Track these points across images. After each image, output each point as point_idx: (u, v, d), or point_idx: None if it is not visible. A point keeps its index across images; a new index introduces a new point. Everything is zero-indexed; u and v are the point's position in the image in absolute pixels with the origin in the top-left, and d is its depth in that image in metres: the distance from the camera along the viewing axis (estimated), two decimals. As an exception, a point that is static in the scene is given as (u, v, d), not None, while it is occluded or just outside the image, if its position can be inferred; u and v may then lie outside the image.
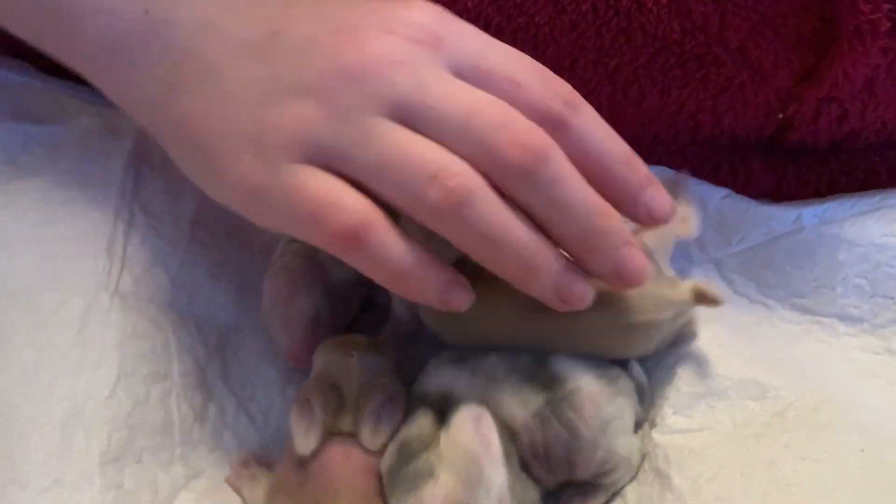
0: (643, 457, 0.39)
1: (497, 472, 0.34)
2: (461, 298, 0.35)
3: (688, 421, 0.40)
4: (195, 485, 0.39)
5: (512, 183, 0.34)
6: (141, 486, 0.38)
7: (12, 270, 0.42)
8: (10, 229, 0.44)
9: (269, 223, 0.36)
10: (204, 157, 0.37)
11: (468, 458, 0.33)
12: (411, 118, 0.34)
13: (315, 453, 0.36)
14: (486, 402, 0.36)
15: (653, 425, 0.40)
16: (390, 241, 0.34)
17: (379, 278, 0.34)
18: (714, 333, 0.43)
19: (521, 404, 0.36)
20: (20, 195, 0.46)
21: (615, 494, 0.39)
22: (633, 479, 0.39)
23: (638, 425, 0.40)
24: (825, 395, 0.39)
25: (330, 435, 0.37)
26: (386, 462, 0.36)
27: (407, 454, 0.35)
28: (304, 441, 0.36)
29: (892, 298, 0.45)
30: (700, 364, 0.41)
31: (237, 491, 0.40)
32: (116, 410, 0.39)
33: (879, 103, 0.47)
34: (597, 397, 0.37)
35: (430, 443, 0.35)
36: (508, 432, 0.36)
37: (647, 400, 0.41)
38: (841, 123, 0.48)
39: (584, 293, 0.36)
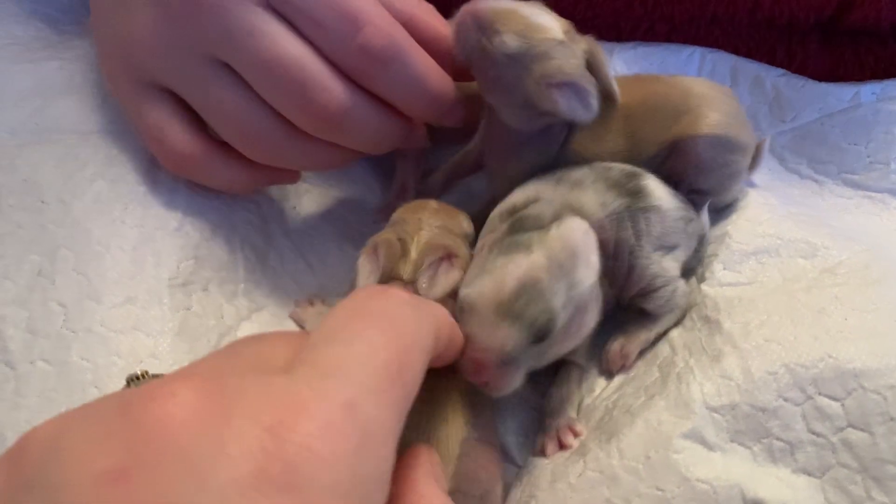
0: (689, 305, 0.40)
1: (587, 276, 0.35)
2: (289, 175, 0.42)
3: (737, 275, 0.40)
4: (257, 317, 0.41)
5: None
6: (207, 312, 0.39)
7: (85, 112, 0.43)
8: (82, 78, 0.46)
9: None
10: (96, 44, 0.42)
11: (568, 253, 0.34)
12: (226, 62, 0.37)
13: None
14: (569, 202, 0.37)
15: (701, 279, 0.41)
16: (214, 165, 0.40)
17: (217, 188, 0.42)
18: (765, 200, 0.44)
19: (601, 206, 0.38)
20: (89, 49, 0.47)
21: (659, 337, 0.40)
22: (678, 324, 0.40)
23: (688, 273, 0.41)
24: (875, 255, 0.40)
25: (389, 279, 0.38)
26: (497, 233, 0.37)
27: (517, 228, 0.36)
28: (365, 282, 0.38)
29: (946, 174, 0.45)
30: (751, 225, 0.42)
31: (300, 324, 0.41)
32: (184, 241, 0.40)
33: (945, -19, 0.47)
34: (669, 223, 0.39)
35: (540, 227, 0.36)
36: None
37: (702, 249, 0.42)
38: (904, 2, 0.48)
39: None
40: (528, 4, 0.39)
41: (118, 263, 0.38)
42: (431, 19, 0.40)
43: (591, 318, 0.36)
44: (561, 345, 0.35)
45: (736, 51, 0.51)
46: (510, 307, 0.33)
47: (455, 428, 0.34)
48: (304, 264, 0.44)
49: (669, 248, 0.39)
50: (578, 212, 0.37)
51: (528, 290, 0.33)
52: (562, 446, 0.37)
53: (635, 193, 0.39)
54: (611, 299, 0.40)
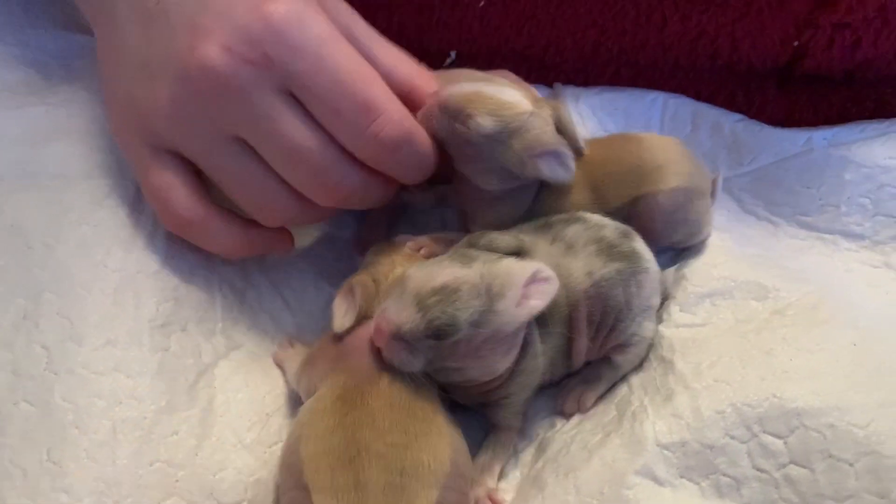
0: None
1: (510, 314, 0.37)
2: (284, 246, 0.45)
3: (692, 317, 0.43)
4: (235, 355, 0.43)
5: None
6: (185, 351, 0.41)
7: (70, 157, 0.45)
8: (67, 123, 0.47)
9: None
10: (104, 92, 0.44)
11: (502, 283, 0.37)
12: (247, 142, 0.39)
13: (349, 330, 0.40)
14: (559, 267, 0.40)
15: (659, 321, 0.43)
16: (214, 230, 0.42)
17: (213, 251, 0.43)
18: (722, 242, 0.46)
19: (587, 275, 0.40)
20: (76, 94, 0.49)
21: (614, 385, 0.42)
22: (638, 367, 0.42)
23: None
24: (824, 297, 0.42)
25: (364, 318, 0.40)
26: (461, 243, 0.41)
27: (471, 243, 0.40)
28: (341, 320, 0.40)
29: (894, 217, 0.47)
30: (707, 268, 0.44)
31: (280, 366, 0.43)
32: (164, 283, 0.42)
33: (892, 32, 0.49)
34: (655, 285, 0.42)
35: (490, 251, 0.39)
36: (569, 301, 0.40)
37: (662, 304, 0.44)
38: (854, 51, 0.50)
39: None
40: (490, 84, 0.42)
41: (100, 306, 0.40)
42: (430, 89, 0.42)
43: (507, 357, 0.38)
44: (463, 361, 0.38)
45: (698, 95, 0.54)
46: (424, 298, 0.36)
47: (438, 460, 0.36)
48: (281, 302, 0.46)
49: (651, 310, 0.42)
50: (566, 279, 0.39)
51: (446, 291, 0.36)
52: None
53: (628, 256, 0.41)
54: (577, 363, 0.42)
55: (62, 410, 0.37)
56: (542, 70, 0.55)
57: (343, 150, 0.39)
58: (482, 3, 0.53)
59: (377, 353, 0.38)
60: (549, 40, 0.54)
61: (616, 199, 0.43)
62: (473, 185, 0.43)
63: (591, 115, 0.52)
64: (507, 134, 0.40)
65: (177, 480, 0.37)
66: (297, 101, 0.38)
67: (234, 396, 0.41)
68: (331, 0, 0.42)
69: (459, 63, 0.56)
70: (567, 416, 0.41)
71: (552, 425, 0.42)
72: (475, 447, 0.41)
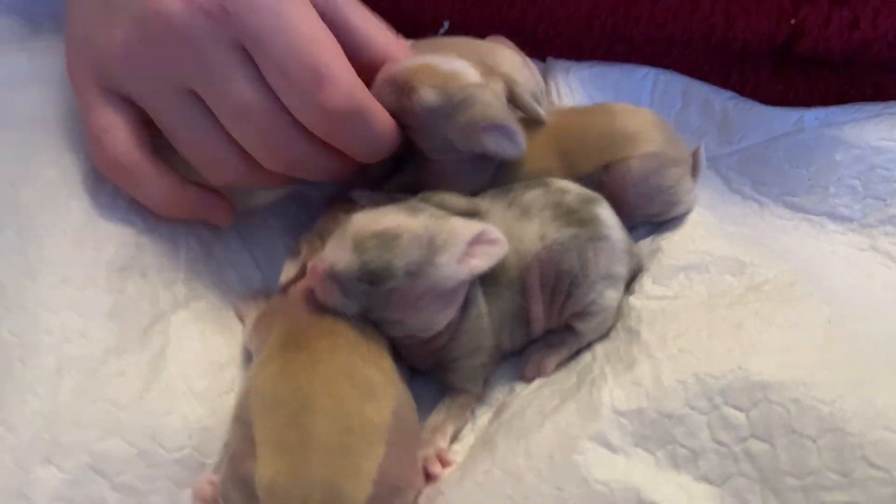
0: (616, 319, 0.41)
1: (449, 268, 0.36)
2: (222, 215, 0.43)
3: (664, 289, 0.41)
4: (195, 305, 0.42)
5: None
6: (142, 296, 0.40)
7: (47, 102, 0.45)
8: (49, 70, 0.47)
9: None
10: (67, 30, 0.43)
11: (445, 237, 0.36)
12: (198, 94, 0.38)
13: (293, 281, 0.41)
14: (511, 231, 0.39)
15: (631, 292, 0.42)
16: (146, 179, 0.40)
17: (145, 203, 0.41)
18: (702, 218, 0.44)
19: (540, 238, 0.39)
20: (60, 43, 0.48)
21: (579, 351, 0.41)
22: (604, 337, 0.41)
23: None
24: (802, 274, 0.40)
25: None
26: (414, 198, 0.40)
27: (423, 198, 0.39)
28: (285, 274, 0.41)
29: (884, 200, 0.46)
30: (684, 241, 0.43)
31: (240, 318, 0.42)
32: (127, 229, 0.41)
33: (891, 11, 0.47)
34: (616, 253, 0.40)
35: (446, 207, 0.38)
36: (520, 265, 0.39)
37: (635, 277, 0.42)
38: (852, 31, 0.49)
39: None
40: (439, 56, 0.40)
41: (58, 246, 0.39)
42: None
43: (445, 312, 0.38)
44: (401, 312, 0.37)
45: (692, 73, 0.52)
46: (363, 241, 0.36)
47: (382, 414, 0.35)
48: (249, 259, 0.45)
49: (613, 279, 0.40)
50: (518, 243, 0.39)
51: (385, 236, 0.35)
52: (429, 476, 0.37)
53: (587, 222, 0.40)
54: (538, 329, 0.41)
55: (8, 345, 0.36)
56: (535, 44, 0.54)
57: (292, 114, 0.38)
58: (475, -27, 0.52)
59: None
60: (541, 13, 0.53)
61: (587, 166, 0.42)
62: (430, 161, 0.42)
63: (580, 87, 0.51)
64: (451, 107, 0.39)
65: (119, 421, 0.36)
66: (251, 58, 0.37)
67: (189, 345, 0.40)
68: None
69: (452, 33, 0.55)
70: (528, 380, 0.40)
71: (511, 390, 0.40)
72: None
